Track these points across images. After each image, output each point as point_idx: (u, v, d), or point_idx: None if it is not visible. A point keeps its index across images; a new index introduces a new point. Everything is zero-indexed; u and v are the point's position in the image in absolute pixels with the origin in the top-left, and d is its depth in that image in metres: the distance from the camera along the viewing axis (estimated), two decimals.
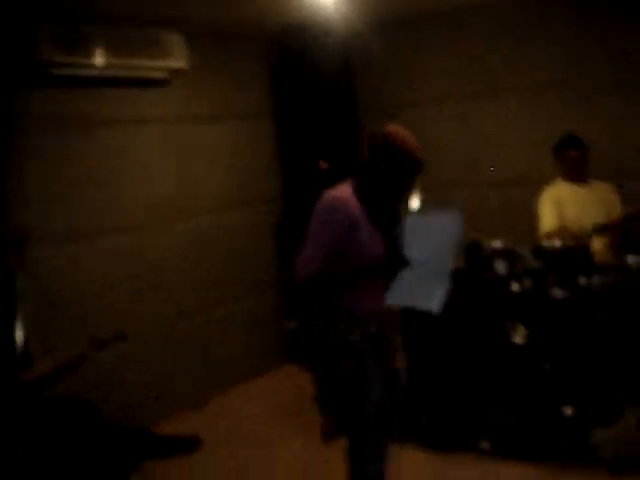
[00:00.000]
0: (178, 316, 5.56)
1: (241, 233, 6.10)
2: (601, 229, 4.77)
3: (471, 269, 4.58)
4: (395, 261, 3.11)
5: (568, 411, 4.17)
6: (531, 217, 5.20)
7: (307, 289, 3.21)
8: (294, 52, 6.09)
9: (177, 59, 5.22)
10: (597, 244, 4.93)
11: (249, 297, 6.20)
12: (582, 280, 4.30)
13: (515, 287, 4.37)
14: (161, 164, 5.46)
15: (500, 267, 4.44)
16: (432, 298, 3.12)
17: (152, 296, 5.34)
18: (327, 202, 3.25)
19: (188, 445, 4.88)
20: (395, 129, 3.29)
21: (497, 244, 4.54)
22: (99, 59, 4.73)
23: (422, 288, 3.11)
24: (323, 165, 6.07)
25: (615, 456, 4.11)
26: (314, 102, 6.13)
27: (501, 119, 5.97)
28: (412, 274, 3.08)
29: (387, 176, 3.24)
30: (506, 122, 5.95)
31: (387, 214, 3.33)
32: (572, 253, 4.35)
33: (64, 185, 4.82)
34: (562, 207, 5.15)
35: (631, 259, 4.39)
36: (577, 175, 5.12)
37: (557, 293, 4.30)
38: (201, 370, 5.71)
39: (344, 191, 3.27)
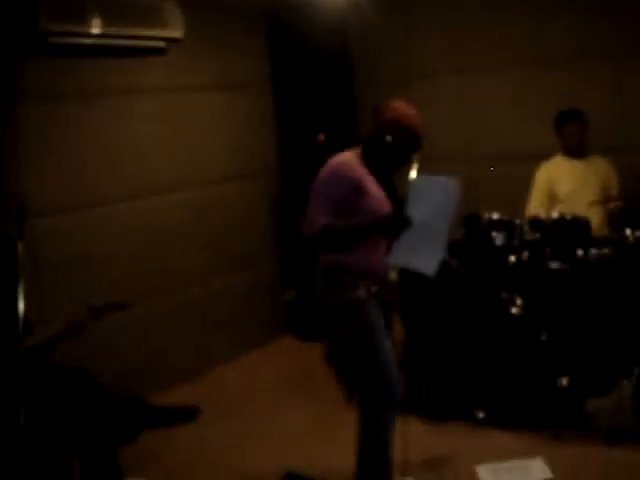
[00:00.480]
0: (175, 287, 5.55)
1: (239, 205, 6.09)
2: (597, 202, 4.79)
3: (469, 240, 4.59)
4: (400, 220, 3.19)
5: (563, 381, 4.20)
6: (527, 191, 5.23)
7: (314, 242, 3.31)
8: (292, 24, 6.07)
9: (173, 28, 5.18)
10: (595, 218, 4.95)
11: (247, 269, 6.20)
12: (579, 252, 4.32)
13: (512, 259, 4.39)
14: (158, 134, 5.43)
15: (498, 238, 4.46)
16: (429, 262, 3.21)
17: (149, 267, 5.33)
18: (332, 165, 3.40)
19: (186, 415, 4.91)
20: (401, 105, 3.48)
21: (495, 216, 4.56)
22: (95, 28, 4.69)
23: (421, 251, 3.20)
24: (320, 138, 6.06)
25: (610, 426, 4.15)
26: (311, 75, 6.13)
27: (499, 94, 5.96)
28: (412, 235, 3.17)
29: (391, 148, 3.42)
30: (504, 97, 5.94)
31: (389, 181, 3.50)
32: (569, 225, 4.37)
33: (62, 154, 4.79)
34: (558, 183, 5.17)
35: (629, 232, 4.41)
36: (576, 149, 5.13)
37: (554, 265, 4.32)
38: (199, 342, 5.72)
39: (349, 156, 3.43)
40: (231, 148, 6.02)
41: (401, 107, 3.47)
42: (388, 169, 3.52)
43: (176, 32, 5.20)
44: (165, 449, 4.53)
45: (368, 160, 3.44)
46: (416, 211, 3.17)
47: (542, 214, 4.91)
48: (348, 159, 3.40)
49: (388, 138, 3.40)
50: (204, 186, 5.78)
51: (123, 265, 5.14)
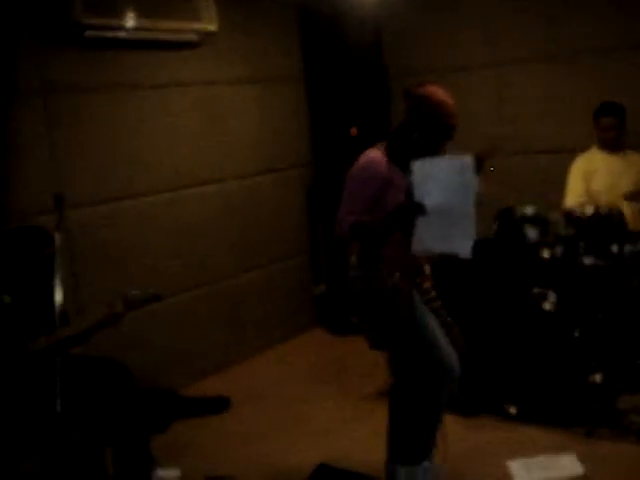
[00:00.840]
0: (207, 280, 5.59)
1: (271, 198, 6.12)
2: (632, 196, 4.74)
3: (502, 235, 4.57)
4: (409, 207, 3.13)
5: (596, 378, 4.18)
6: (564, 185, 5.19)
7: (346, 241, 3.37)
8: (325, 16, 6.07)
9: (207, 21, 5.22)
10: (630, 212, 4.90)
11: (279, 262, 6.23)
12: (614, 248, 4.28)
13: (546, 254, 4.36)
14: (191, 128, 5.46)
15: (531, 233, 4.43)
16: (462, 244, 3.12)
17: (182, 259, 5.37)
18: (360, 164, 3.35)
19: (216, 406, 4.95)
20: (434, 90, 3.33)
21: (529, 210, 4.53)
22: (130, 21, 4.75)
23: (450, 235, 3.11)
24: (353, 131, 6.06)
25: None
26: (344, 67, 6.12)
27: (535, 87, 5.91)
28: (433, 221, 3.08)
29: (418, 141, 3.32)
30: (541, 90, 5.88)
31: None
32: (604, 220, 4.33)
33: (95, 147, 4.85)
34: (593, 177, 5.12)
35: None
36: (611, 143, 5.07)
37: (588, 260, 4.30)
38: (230, 334, 5.77)
39: (377, 154, 3.35)
40: (264, 141, 6.04)
41: (434, 92, 3.31)
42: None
43: (210, 25, 5.24)
44: (196, 439, 4.57)
45: (394, 156, 3.33)
46: (428, 196, 3.06)
47: (580, 206, 4.89)
48: (376, 157, 3.33)
49: (415, 134, 3.31)
50: (237, 179, 5.81)
51: (156, 258, 5.19)
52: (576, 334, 4.19)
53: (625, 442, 4.03)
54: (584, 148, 5.25)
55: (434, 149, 3.32)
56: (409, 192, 3.14)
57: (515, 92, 6.01)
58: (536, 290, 4.42)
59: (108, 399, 3.69)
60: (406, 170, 3.18)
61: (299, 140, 6.39)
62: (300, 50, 6.38)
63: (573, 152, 5.29)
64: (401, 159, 3.28)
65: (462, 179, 3.07)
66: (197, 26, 5.20)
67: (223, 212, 5.70)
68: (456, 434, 4.24)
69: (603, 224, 4.31)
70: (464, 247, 3.11)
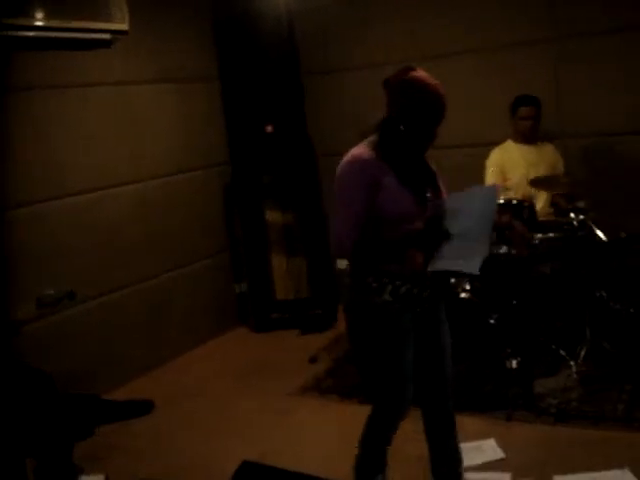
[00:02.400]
0: (129, 281, 5.53)
1: (189, 197, 6.08)
2: (537, 182, 4.88)
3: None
4: (435, 234, 2.93)
5: (513, 363, 4.29)
6: (479, 179, 5.31)
7: (350, 259, 3.07)
8: (239, 14, 6.05)
9: (119, 21, 5.14)
10: (542, 202, 5.06)
11: (199, 261, 6.21)
12: None
13: None
14: (106, 128, 5.39)
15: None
16: (473, 262, 2.99)
17: (102, 260, 5.30)
18: (345, 164, 2.99)
19: (141, 408, 4.91)
20: (412, 75, 3.06)
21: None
22: (38, 20, 4.65)
23: (464, 255, 3.01)
24: (269, 128, 6.08)
25: (558, 405, 4.26)
26: (258, 65, 6.11)
27: (450, 82, 5.99)
28: (454, 244, 2.99)
29: (406, 133, 2.99)
30: (456, 85, 5.97)
31: (415, 171, 3.06)
32: (515, 210, 4.45)
33: (12, 149, 4.75)
34: (508, 168, 5.26)
35: (572, 216, 4.52)
36: (528, 133, 5.22)
37: (501, 249, 4.41)
38: (153, 335, 5.72)
39: (360, 150, 3.01)
40: (180, 140, 6.01)
41: (415, 76, 3.04)
42: (410, 154, 3.05)
43: (122, 25, 5.17)
44: (121, 443, 4.52)
45: (384, 150, 2.99)
46: (455, 226, 2.99)
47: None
48: (362, 154, 2.97)
49: (400, 127, 2.97)
50: (153, 179, 5.76)
51: (75, 259, 5.10)
52: (492, 321, 4.30)
53: (543, 424, 4.14)
54: (499, 142, 5.39)
55: (425, 138, 3.04)
56: (437, 217, 2.97)
57: None
58: (452, 280, 4.51)
59: (28, 407, 3.62)
60: (399, 168, 2.96)
61: (215, 138, 6.36)
62: (214, 48, 6.35)
63: (489, 146, 5.42)
64: (392, 156, 2.99)
65: (488, 205, 3.06)
66: (108, 25, 5.12)
67: (141, 213, 5.65)
68: None
69: (514, 213, 4.43)
70: (474, 265, 3.00)
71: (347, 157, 2.99)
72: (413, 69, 3.07)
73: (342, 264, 4.85)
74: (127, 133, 5.55)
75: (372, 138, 3.05)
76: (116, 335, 5.40)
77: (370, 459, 3.33)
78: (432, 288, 3.10)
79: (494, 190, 3.11)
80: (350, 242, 2.90)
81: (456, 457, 3.40)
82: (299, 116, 6.31)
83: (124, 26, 5.18)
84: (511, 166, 5.23)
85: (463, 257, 2.98)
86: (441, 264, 2.99)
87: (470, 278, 4.46)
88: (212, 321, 6.29)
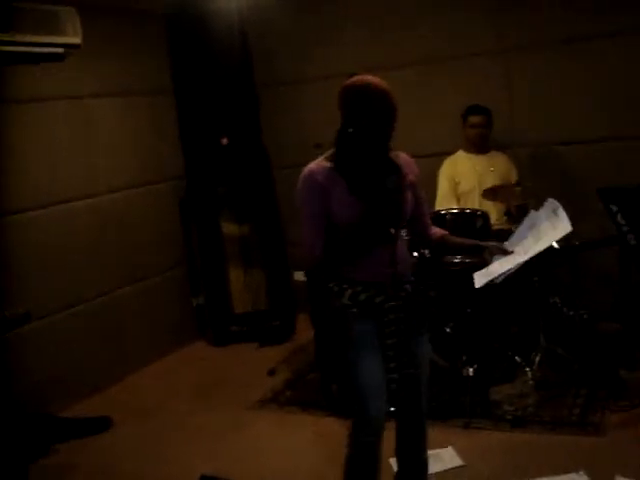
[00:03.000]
0: (82, 297, 5.47)
1: (145, 211, 6.04)
2: (488, 194, 4.94)
3: None
4: (373, 222, 2.92)
5: (469, 371, 4.33)
6: (432, 189, 5.36)
7: (318, 274, 3.15)
8: (192, 26, 6.04)
9: (71, 34, 5.10)
10: (495, 211, 5.12)
11: (155, 275, 6.16)
12: None
13: (415, 253, 4.49)
14: (60, 143, 5.33)
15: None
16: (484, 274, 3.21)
17: (55, 278, 5.23)
18: (300, 180, 3.03)
19: (98, 425, 4.85)
20: (355, 78, 3.03)
21: None
22: None
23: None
24: (224, 140, 6.08)
25: (515, 412, 4.31)
26: (213, 77, 6.10)
27: (402, 93, 6.03)
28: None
29: (356, 135, 2.97)
30: (407, 96, 6.02)
31: (369, 177, 2.99)
32: (469, 220, 4.50)
33: None
34: (460, 178, 5.32)
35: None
36: (478, 142, 5.29)
37: (455, 259, 4.45)
38: (111, 351, 5.65)
39: (314, 163, 3.04)
40: (135, 154, 5.97)
41: (358, 79, 3.01)
42: (364, 162, 3.00)
43: (74, 38, 5.13)
44: (79, 461, 4.46)
45: (339, 160, 3.00)
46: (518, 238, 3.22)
47: (453, 205, 5.09)
48: (313, 167, 3.00)
49: (349, 130, 2.95)
50: (108, 193, 5.71)
51: (27, 277, 5.03)
52: (447, 330, 4.33)
53: (500, 431, 4.19)
54: (452, 152, 5.45)
55: (376, 139, 3.00)
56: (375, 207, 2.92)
57: None
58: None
59: None
60: (349, 177, 2.96)
61: (170, 151, 6.33)
62: (168, 61, 6.33)
63: (442, 157, 5.48)
64: (344, 165, 2.99)
65: (549, 221, 3.24)
66: (61, 39, 5.08)
67: (96, 227, 5.59)
68: (337, 436, 4.32)
69: (468, 223, 4.48)
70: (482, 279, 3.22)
71: (303, 171, 3.02)
72: (358, 75, 3.04)
73: (299, 275, 4.89)
74: (81, 147, 5.50)
75: (331, 150, 3.07)
76: (72, 352, 5.32)
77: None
78: (403, 300, 3.06)
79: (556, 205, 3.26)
80: (318, 252, 2.96)
81: (423, 472, 3.40)
82: (254, 128, 6.31)
83: (77, 40, 5.14)
84: (462, 176, 5.30)
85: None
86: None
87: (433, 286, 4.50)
88: (170, 335, 6.24)
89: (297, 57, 6.36)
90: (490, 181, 5.20)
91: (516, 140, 5.61)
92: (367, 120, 2.94)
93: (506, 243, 3.26)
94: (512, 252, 3.23)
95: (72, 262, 5.37)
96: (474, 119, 5.27)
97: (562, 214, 3.26)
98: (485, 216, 4.60)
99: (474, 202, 5.20)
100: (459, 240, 3.42)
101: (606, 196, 3.38)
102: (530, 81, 5.55)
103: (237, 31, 6.12)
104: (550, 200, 3.38)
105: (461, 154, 5.40)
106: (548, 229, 3.24)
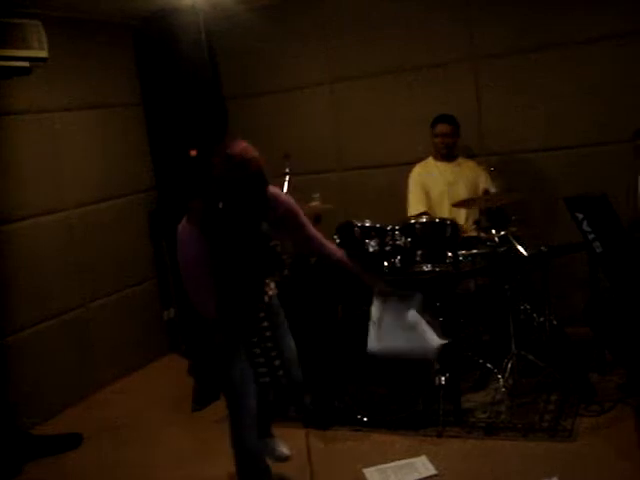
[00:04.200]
0: (52, 312, 5.42)
1: (115, 224, 6.01)
2: (460, 205, 4.96)
3: (344, 248, 4.67)
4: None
5: (441, 380, 4.33)
6: (402, 197, 5.37)
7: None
8: (160, 39, 6.04)
9: (37, 48, 5.08)
10: (463, 219, 5.15)
11: (126, 288, 6.12)
12: (449, 254, 4.46)
13: (386, 263, 4.49)
14: (28, 157, 5.30)
15: (371, 245, 4.55)
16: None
17: (23, 293, 5.19)
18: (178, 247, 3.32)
19: (69, 442, 4.81)
20: (232, 149, 3.13)
21: (367, 223, 4.65)
22: None
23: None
24: (193, 152, 6.06)
25: (488, 419, 4.32)
26: (181, 89, 6.10)
27: (371, 102, 6.08)
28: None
29: (225, 211, 3.11)
30: (376, 105, 6.06)
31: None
32: (438, 228, 4.51)
33: None
34: (429, 186, 5.35)
35: (494, 232, 4.60)
36: (446, 150, 5.33)
37: (426, 267, 4.45)
38: (80, 366, 5.61)
39: (184, 230, 3.28)
40: (104, 168, 5.94)
41: (234, 152, 3.10)
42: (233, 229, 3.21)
43: (40, 52, 5.10)
44: (50, 478, 4.42)
45: (205, 230, 3.19)
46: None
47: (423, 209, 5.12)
48: (184, 237, 3.26)
49: (220, 204, 3.08)
50: (77, 207, 5.68)
51: None
52: None
53: (473, 439, 4.20)
54: (420, 160, 5.47)
55: (246, 222, 3.17)
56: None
57: (352, 109, 6.16)
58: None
59: None
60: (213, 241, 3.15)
61: (139, 164, 6.32)
62: (136, 73, 6.32)
63: (411, 165, 5.50)
64: (211, 232, 3.16)
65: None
66: (27, 53, 5.05)
67: (65, 242, 5.56)
68: (312, 446, 4.31)
69: (437, 232, 4.49)
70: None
71: (181, 228, 3.26)
72: (235, 143, 3.14)
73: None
74: (49, 161, 5.47)
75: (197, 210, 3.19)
76: (41, 367, 5.28)
77: (242, 461, 3.64)
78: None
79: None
80: (212, 316, 3.35)
81: None
82: (223, 140, 6.28)
83: (43, 53, 5.12)
84: (431, 183, 5.34)
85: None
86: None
87: None
88: (142, 349, 6.20)
89: (265, 69, 6.37)
90: (457, 189, 5.24)
91: (485, 147, 5.65)
92: (240, 202, 3.10)
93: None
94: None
95: (40, 277, 5.33)
96: (440, 128, 5.33)
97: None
98: (454, 225, 4.62)
99: (443, 209, 5.23)
100: (353, 268, 3.77)
101: (572, 205, 3.41)
102: (499, 89, 5.60)
103: (205, 44, 6.12)
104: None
105: (430, 161, 5.44)
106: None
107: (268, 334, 3.55)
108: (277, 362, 3.58)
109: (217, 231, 3.14)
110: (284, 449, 4.07)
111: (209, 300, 3.25)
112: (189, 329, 3.54)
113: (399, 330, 3.94)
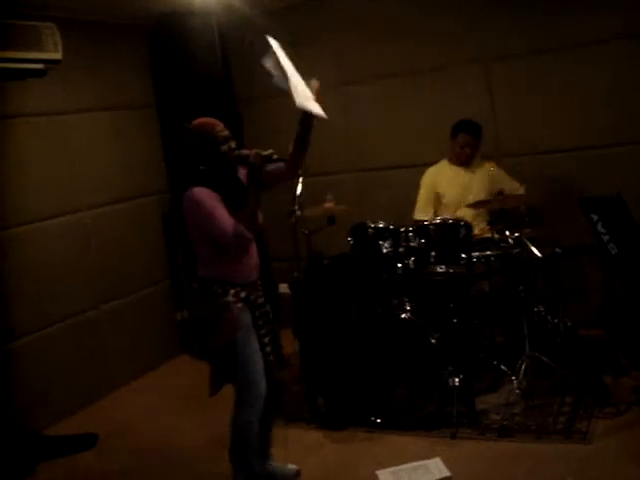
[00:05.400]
0: (66, 313, 5.44)
1: (129, 226, 6.03)
2: (473, 206, 4.95)
3: (358, 249, 4.68)
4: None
5: (455, 381, 4.32)
6: (416, 198, 5.37)
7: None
8: (172, 41, 6.06)
9: (52, 50, 5.09)
10: (477, 221, 5.12)
11: (140, 290, 6.14)
12: (463, 255, 4.46)
13: (400, 265, 4.49)
14: (42, 159, 5.32)
15: (385, 246, 4.55)
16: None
17: (38, 294, 5.21)
18: (192, 197, 3.63)
19: (83, 443, 4.82)
20: (191, 125, 3.72)
21: (380, 224, 4.66)
22: None
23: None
24: None
25: (501, 421, 4.31)
26: (195, 93, 6.10)
27: (384, 105, 6.08)
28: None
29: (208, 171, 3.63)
30: (390, 108, 6.05)
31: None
32: (452, 230, 4.51)
33: None
34: (442, 188, 5.31)
35: (508, 233, 4.59)
36: (465, 160, 5.28)
37: (439, 269, 4.45)
38: (94, 367, 5.62)
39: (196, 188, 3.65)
40: (118, 170, 5.96)
41: (194, 123, 3.72)
42: (225, 179, 3.66)
43: (55, 54, 5.12)
44: (63, 478, 4.44)
45: (210, 183, 3.61)
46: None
47: (428, 216, 5.08)
48: (196, 189, 3.63)
49: (200, 167, 3.64)
50: (92, 209, 5.70)
51: (12, 293, 5.02)
52: (433, 341, 4.33)
53: (486, 440, 4.18)
54: (434, 163, 5.46)
55: (225, 174, 3.66)
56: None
57: (363, 111, 6.16)
58: (394, 301, 4.54)
59: None
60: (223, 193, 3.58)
61: (153, 167, 6.33)
62: (151, 76, 6.34)
63: (423, 167, 5.49)
64: (215, 185, 3.60)
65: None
66: (41, 55, 5.07)
67: (79, 243, 5.57)
68: (325, 448, 4.33)
69: (451, 234, 4.49)
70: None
71: (191, 193, 3.61)
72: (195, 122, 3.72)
73: (284, 288, 4.97)
74: (63, 163, 5.49)
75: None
76: (56, 368, 5.30)
77: (239, 450, 3.77)
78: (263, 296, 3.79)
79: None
80: (246, 232, 3.53)
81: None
82: (237, 142, 6.30)
83: (57, 55, 5.13)
84: (445, 186, 5.29)
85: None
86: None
87: (410, 299, 4.51)
88: (155, 350, 6.22)
89: None
90: (472, 193, 5.19)
91: (499, 149, 5.63)
92: (213, 160, 3.64)
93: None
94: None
95: (54, 279, 5.34)
96: (463, 138, 5.21)
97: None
98: (468, 226, 4.61)
99: (455, 213, 5.19)
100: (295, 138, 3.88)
101: (586, 206, 3.39)
102: (512, 91, 5.58)
103: (218, 46, 6.13)
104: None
105: (445, 164, 5.38)
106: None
107: (265, 309, 3.82)
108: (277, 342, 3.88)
109: (214, 185, 3.58)
110: (290, 466, 4.07)
111: (233, 223, 3.49)
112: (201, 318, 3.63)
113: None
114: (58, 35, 5.08)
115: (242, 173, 3.70)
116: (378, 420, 4.47)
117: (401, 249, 4.51)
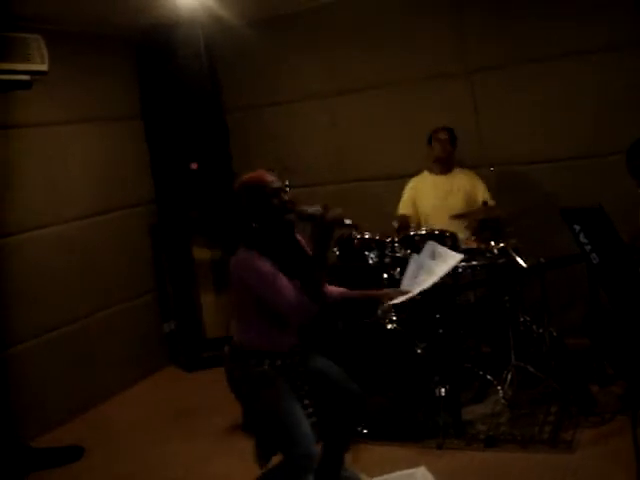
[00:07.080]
0: (53, 324, 5.43)
1: (116, 237, 6.03)
2: (458, 217, 4.98)
3: (344, 260, 4.69)
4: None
5: (441, 391, 4.33)
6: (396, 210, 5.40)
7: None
8: (159, 52, 6.06)
9: (38, 62, 5.10)
10: (462, 231, 5.15)
11: (126, 301, 6.13)
12: None
13: (385, 275, 4.51)
14: (28, 171, 5.31)
15: (371, 257, 4.57)
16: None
17: (25, 305, 5.20)
18: (242, 262, 3.35)
19: (70, 455, 4.81)
20: (248, 176, 3.42)
21: (367, 235, 4.67)
22: None
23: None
24: (193, 166, 6.09)
25: (488, 431, 4.32)
26: (181, 103, 6.12)
27: (368, 116, 6.10)
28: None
29: (261, 230, 3.35)
30: (374, 119, 6.08)
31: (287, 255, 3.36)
32: (437, 239, 4.52)
33: None
34: (422, 197, 5.37)
35: (493, 244, 4.62)
36: (441, 162, 5.34)
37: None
38: (80, 379, 5.61)
39: (245, 253, 3.36)
40: (104, 181, 5.96)
41: (251, 176, 3.42)
42: (276, 242, 3.36)
43: (41, 65, 5.12)
44: None
45: (257, 246, 3.32)
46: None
47: (409, 211, 5.17)
48: (245, 254, 3.36)
49: (253, 224, 3.36)
50: (78, 220, 5.70)
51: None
52: (419, 351, 4.34)
53: (473, 450, 4.19)
54: (416, 174, 5.49)
55: (280, 233, 3.37)
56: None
57: (348, 121, 6.18)
58: (379, 311, 4.55)
59: None
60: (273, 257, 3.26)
61: (140, 178, 6.34)
62: (137, 86, 6.34)
63: (407, 178, 5.53)
64: (264, 248, 3.30)
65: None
66: (27, 66, 5.07)
67: (65, 254, 5.56)
68: None
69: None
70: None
71: (239, 258, 3.35)
72: (251, 173, 3.42)
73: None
74: (50, 174, 5.49)
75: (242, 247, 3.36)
76: (43, 379, 5.28)
77: None
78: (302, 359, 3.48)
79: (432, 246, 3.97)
80: (312, 305, 3.23)
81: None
82: (224, 153, 6.34)
83: (44, 67, 5.14)
84: (422, 196, 5.37)
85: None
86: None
87: (395, 309, 4.51)
88: (142, 362, 6.21)
89: (265, 82, 6.40)
90: (450, 202, 5.25)
91: (482, 159, 5.65)
92: (268, 217, 3.35)
93: (402, 286, 3.87)
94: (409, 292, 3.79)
95: (41, 289, 5.34)
96: (441, 134, 5.34)
97: (444, 250, 3.99)
98: (454, 237, 4.64)
99: (437, 222, 5.21)
100: (357, 293, 3.79)
101: (568, 216, 3.40)
102: (495, 101, 5.61)
103: (205, 57, 6.15)
104: (429, 243, 4.03)
105: (425, 174, 5.47)
106: (438, 265, 3.90)
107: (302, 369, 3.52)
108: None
109: (268, 247, 3.31)
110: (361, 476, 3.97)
111: (297, 293, 3.22)
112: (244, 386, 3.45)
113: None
114: (44, 47, 5.09)
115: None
116: (365, 430, 4.47)
117: (387, 259, 4.53)
